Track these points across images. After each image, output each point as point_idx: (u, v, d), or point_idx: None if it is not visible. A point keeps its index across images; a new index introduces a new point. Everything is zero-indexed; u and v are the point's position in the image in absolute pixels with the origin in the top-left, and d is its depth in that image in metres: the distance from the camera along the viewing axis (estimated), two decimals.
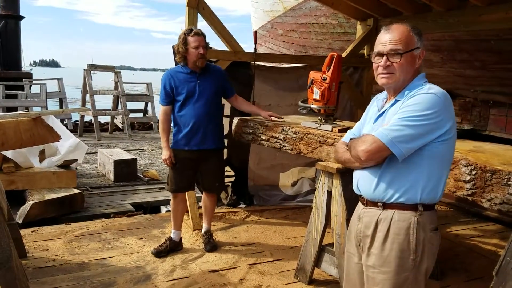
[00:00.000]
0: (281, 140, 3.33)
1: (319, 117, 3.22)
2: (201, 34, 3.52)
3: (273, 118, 3.61)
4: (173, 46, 3.72)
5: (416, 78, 1.87)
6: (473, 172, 2.21)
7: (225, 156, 4.73)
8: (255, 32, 4.90)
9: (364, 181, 1.94)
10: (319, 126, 3.17)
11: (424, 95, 1.76)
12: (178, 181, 3.71)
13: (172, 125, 3.69)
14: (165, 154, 3.64)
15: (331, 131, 3.09)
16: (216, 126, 3.70)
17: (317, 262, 3.22)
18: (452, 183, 2.31)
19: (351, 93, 5.10)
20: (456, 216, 5.09)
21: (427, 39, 4.52)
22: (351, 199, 2.78)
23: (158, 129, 3.73)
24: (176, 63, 3.68)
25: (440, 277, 3.43)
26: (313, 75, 3.18)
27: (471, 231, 4.59)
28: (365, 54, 5.10)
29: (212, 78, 3.63)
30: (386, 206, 1.86)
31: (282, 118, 3.65)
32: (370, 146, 1.80)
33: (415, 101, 1.76)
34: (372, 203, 1.91)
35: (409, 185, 1.81)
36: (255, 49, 4.55)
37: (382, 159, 1.83)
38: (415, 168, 1.80)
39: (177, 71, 3.61)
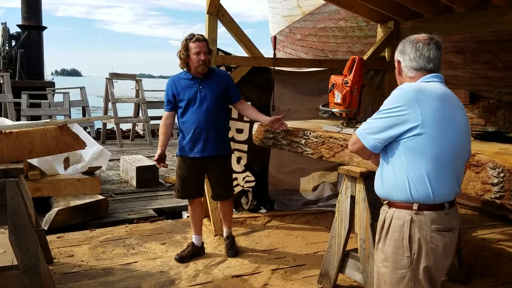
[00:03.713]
0: (302, 144, 3.32)
1: (341, 121, 3.20)
2: (203, 40, 3.47)
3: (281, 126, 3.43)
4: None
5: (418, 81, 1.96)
6: (501, 175, 2.17)
7: (245, 162, 4.76)
8: (274, 37, 4.90)
9: (375, 180, 2.09)
10: (341, 130, 3.14)
11: (393, 92, 1.90)
12: (184, 188, 3.71)
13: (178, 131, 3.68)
14: (157, 154, 3.64)
15: None
16: (219, 132, 3.61)
17: (341, 268, 3.19)
18: (479, 186, 2.27)
19: (373, 96, 5.06)
20: (481, 220, 4.98)
21: (449, 41, 4.45)
22: (375, 203, 2.75)
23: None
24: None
25: (467, 281, 3.37)
26: (334, 78, 3.17)
27: (497, 235, 4.49)
28: (386, 56, 5.05)
29: (215, 83, 3.56)
30: (390, 204, 1.98)
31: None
32: (351, 139, 2.05)
33: (387, 98, 1.92)
34: (384, 201, 2.04)
35: (397, 183, 1.91)
36: (274, 54, 4.55)
37: (362, 151, 2.01)
38: (397, 166, 1.90)
39: (180, 77, 3.61)
